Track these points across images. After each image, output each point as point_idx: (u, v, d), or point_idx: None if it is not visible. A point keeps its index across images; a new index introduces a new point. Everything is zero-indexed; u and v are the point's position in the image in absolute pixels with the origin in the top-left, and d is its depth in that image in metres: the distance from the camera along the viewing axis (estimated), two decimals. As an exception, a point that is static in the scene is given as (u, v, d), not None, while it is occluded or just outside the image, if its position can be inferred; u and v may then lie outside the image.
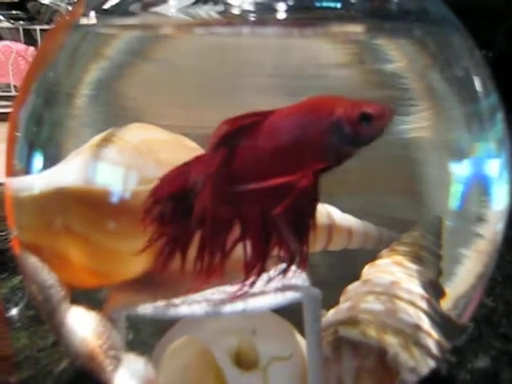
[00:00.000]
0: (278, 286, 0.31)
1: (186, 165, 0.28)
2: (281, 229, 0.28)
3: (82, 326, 0.30)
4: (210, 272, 0.29)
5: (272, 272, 0.30)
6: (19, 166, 0.33)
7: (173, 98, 0.32)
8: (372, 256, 0.37)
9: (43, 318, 0.37)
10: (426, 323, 0.33)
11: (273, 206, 0.27)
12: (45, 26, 1.97)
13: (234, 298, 0.30)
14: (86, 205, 0.30)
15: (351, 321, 0.33)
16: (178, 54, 0.33)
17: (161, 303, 0.30)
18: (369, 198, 0.36)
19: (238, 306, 0.30)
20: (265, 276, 0.30)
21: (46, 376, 0.39)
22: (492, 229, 0.34)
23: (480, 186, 0.34)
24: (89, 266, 0.31)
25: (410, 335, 0.32)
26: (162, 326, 0.33)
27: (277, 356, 0.32)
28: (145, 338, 0.34)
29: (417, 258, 0.36)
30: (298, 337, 0.33)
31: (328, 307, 0.35)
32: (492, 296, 0.53)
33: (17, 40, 2.06)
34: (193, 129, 0.33)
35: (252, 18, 0.30)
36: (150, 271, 0.32)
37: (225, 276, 0.31)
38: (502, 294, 0.54)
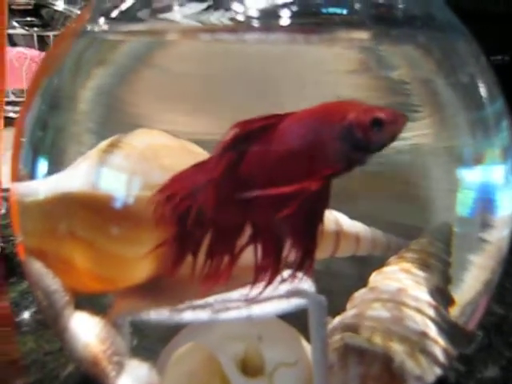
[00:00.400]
0: (283, 292, 0.31)
1: (196, 166, 0.28)
2: (289, 233, 0.28)
3: (86, 331, 0.30)
4: (218, 275, 0.29)
5: (279, 277, 0.30)
6: (24, 171, 0.33)
7: (177, 104, 0.32)
8: (380, 263, 0.37)
9: (48, 323, 0.37)
10: (432, 331, 0.32)
11: (282, 209, 0.26)
12: (59, 33, 1.98)
13: (247, 300, 0.30)
14: (91, 210, 0.30)
15: (357, 328, 0.32)
16: (184, 60, 0.33)
17: (166, 309, 0.30)
18: (376, 205, 0.36)
19: (244, 311, 0.30)
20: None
21: (52, 380, 0.39)
22: (498, 235, 0.34)
23: (486, 193, 0.34)
24: (93, 271, 0.31)
25: (417, 343, 0.31)
26: (168, 332, 0.33)
27: (282, 362, 0.32)
28: (150, 344, 0.34)
29: (425, 265, 0.36)
30: (304, 343, 0.33)
31: (334, 314, 0.34)
32: (502, 304, 0.53)
33: (31, 46, 2.07)
34: (197, 135, 0.33)
35: (257, 24, 0.30)
36: (157, 276, 0.32)
37: (231, 282, 0.31)
38: (512, 302, 0.54)
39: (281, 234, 0.28)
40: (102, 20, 0.33)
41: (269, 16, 0.30)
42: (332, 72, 0.33)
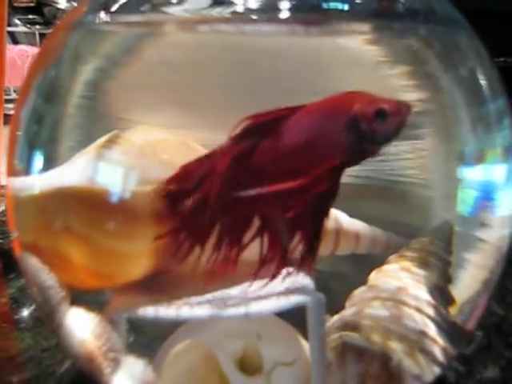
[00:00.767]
0: (282, 289, 0.31)
1: (205, 157, 0.29)
2: (296, 226, 0.27)
3: (82, 327, 0.30)
4: (224, 267, 0.29)
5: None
6: (20, 166, 0.33)
7: (173, 97, 0.32)
8: (380, 261, 0.37)
9: (43, 319, 0.37)
10: (432, 330, 0.32)
11: (290, 202, 0.27)
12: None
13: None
14: (88, 205, 0.30)
15: (356, 326, 0.32)
16: (180, 52, 0.33)
17: (163, 306, 0.30)
18: (377, 204, 0.36)
19: (242, 309, 0.29)
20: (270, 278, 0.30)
21: (49, 376, 0.39)
22: (497, 234, 0.34)
23: (486, 192, 0.34)
24: (89, 266, 0.31)
25: (415, 342, 0.31)
26: (166, 330, 0.33)
27: (281, 361, 0.32)
28: (148, 341, 0.34)
29: (425, 264, 0.35)
30: (302, 341, 0.33)
31: (333, 312, 0.34)
32: (502, 304, 0.52)
33: (33, 44, 2.08)
34: (191, 129, 0.33)
35: (256, 17, 0.30)
36: (154, 273, 0.32)
37: (230, 279, 0.31)
38: (512, 302, 0.54)
39: (288, 227, 0.28)
40: (98, 12, 0.33)
41: (269, 9, 0.30)
42: (331, 66, 0.33)
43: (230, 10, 0.30)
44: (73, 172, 0.31)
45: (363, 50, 0.33)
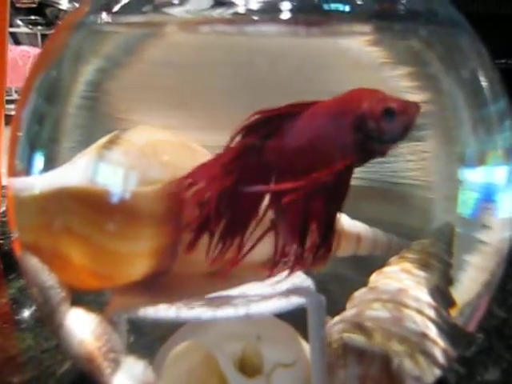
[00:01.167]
0: (283, 290, 0.31)
1: (217, 155, 0.29)
2: (307, 223, 0.27)
3: (82, 327, 0.30)
4: (233, 262, 0.29)
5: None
6: (20, 166, 0.33)
7: (174, 98, 0.32)
8: (381, 263, 0.37)
9: (43, 320, 0.37)
10: (432, 331, 0.32)
11: (298, 200, 0.27)
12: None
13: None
14: (88, 206, 0.30)
15: (356, 328, 0.32)
16: (182, 52, 0.33)
17: (163, 306, 0.30)
18: (378, 205, 0.36)
19: (242, 310, 0.29)
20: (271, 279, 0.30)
21: (49, 377, 0.39)
22: (498, 236, 0.34)
23: (487, 194, 0.34)
24: (90, 267, 0.31)
25: (416, 343, 0.31)
26: (166, 330, 0.33)
27: (281, 362, 0.32)
28: (148, 341, 0.34)
29: (425, 266, 0.35)
30: (303, 343, 0.33)
31: (334, 313, 0.34)
32: (503, 307, 0.52)
33: (35, 45, 2.08)
34: (192, 129, 0.33)
35: (257, 18, 0.30)
36: (154, 273, 0.32)
37: (231, 280, 0.31)
38: (514, 305, 0.53)
39: (300, 226, 0.27)
40: (100, 12, 0.33)
41: (270, 10, 0.30)
42: (332, 67, 0.33)
43: (232, 10, 0.30)
44: (73, 172, 0.31)
45: (364, 51, 0.33)
